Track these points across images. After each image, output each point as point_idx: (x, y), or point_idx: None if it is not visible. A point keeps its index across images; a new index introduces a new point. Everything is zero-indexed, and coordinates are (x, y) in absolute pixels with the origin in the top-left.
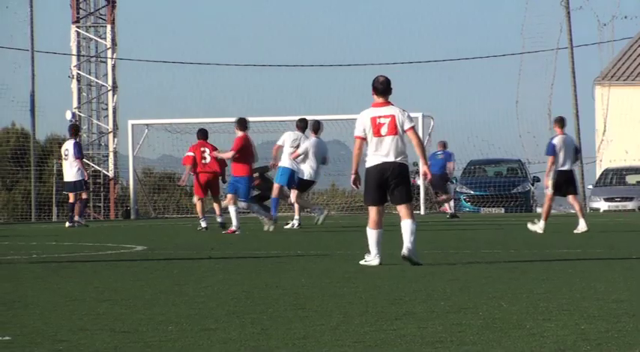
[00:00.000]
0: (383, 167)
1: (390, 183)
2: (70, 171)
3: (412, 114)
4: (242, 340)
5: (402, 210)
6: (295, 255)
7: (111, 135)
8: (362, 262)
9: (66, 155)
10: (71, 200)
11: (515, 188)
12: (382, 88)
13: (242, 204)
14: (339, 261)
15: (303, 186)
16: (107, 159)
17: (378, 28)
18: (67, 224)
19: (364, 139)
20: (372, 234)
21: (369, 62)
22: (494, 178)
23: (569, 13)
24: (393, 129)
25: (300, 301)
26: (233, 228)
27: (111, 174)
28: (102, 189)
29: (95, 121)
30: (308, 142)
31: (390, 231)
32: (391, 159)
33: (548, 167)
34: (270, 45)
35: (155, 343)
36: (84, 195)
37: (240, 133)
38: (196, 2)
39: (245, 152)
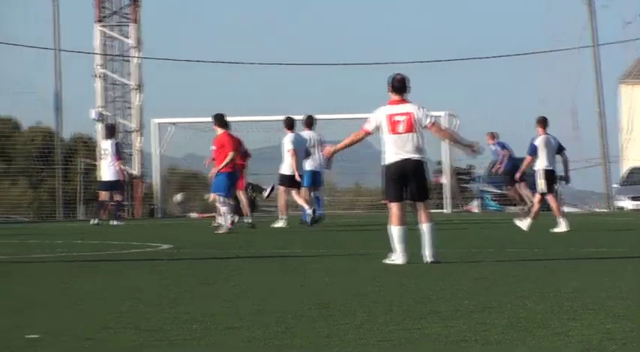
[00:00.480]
0: (401, 164)
1: (408, 180)
2: (108, 170)
3: (436, 113)
4: (266, 339)
5: (419, 209)
6: (319, 254)
7: (136, 134)
8: (386, 261)
9: (105, 154)
10: (102, 198)
11: None
12: (399, 86)
13: (213, 196)
14: (363, 260)
15: (286, 181)
16: (132, 158)
17: (404, 27)
18: (93, 221)
19: (369, 134)
20: (395, 231)
21: (393, 61)
22: None
23: (593, 11)
24: (411, 127)
25: (324, 300)
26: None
27: (136, 172)
28: (127, 188)
29: (120, 120)
30: (289, 139)
31: (414, 230)
32: (409, 156)
33: (523, 166)
34: (294, 43)
35: (180, 342)
36: (118, 197)
37: (221, 130)
38: (221, 0)
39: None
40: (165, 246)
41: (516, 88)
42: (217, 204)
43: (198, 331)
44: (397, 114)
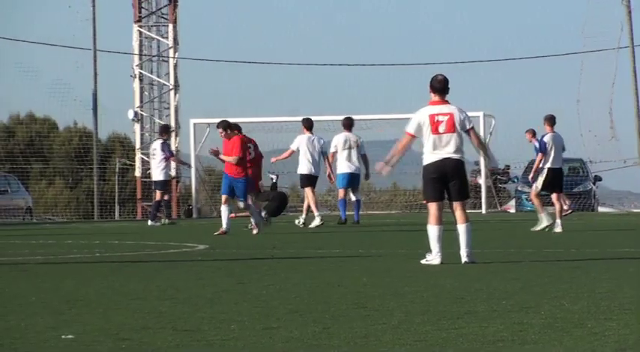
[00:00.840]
0: (441, 164)
1: (448, 179)
2: (155, 170)
3: (473, 114)
4: (304, 339)
5: (457, 209)
6: (357, 253)
7: (173, 134)
8: (423, 261)
9: (153, 154)
10: (166, 197)
11: (577, 187)
12: (440, 87)
13: (240, 204)
14: (401, 260)
15: (307, 181)
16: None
17: (439, 28)
18: (166, 221)
19: (413, 137)
20: (433, 231)
21: (430, 61)
22: None
23: (630, 12)
24: (452, 127)
25: (362, 300)
26: (224, 229)
27: (173, 173)
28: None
29: (157, 120)
30: (298, 139)
31: (451, 231)
32: (449, 155)
33: (536, 164)
34: (330, 43)
35: (217, 341)
36: (158, 197)
37: (234, 134)
38: (257, 1)
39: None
40: (201, 246)
41: (553, 88)
42: (223, 207)
43: (236, 331)
44: (439, 114)
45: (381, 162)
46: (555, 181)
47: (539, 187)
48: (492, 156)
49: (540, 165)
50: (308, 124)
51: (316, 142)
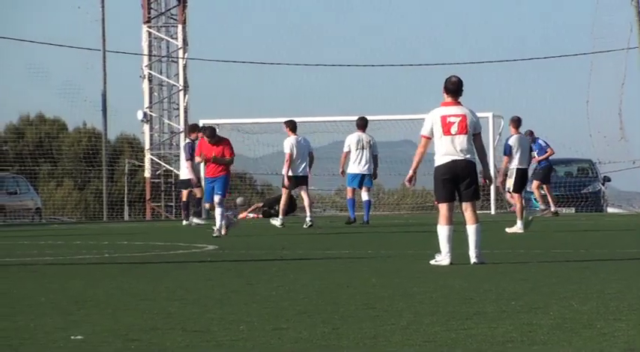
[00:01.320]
0: (453, 165)
1: (459, 180)
2: (182, 169)
3: (482, 114)
4: (313, 339)
5: (467, 210)
6: (366, 254)
7: (182, 135)
8: (432, 262)
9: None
10: (184, 198)
11: (586, 188)
12: (454, 88)
13: (216, 199)
14: (410, 261)
15: (289, 181)
16: (178, 159)
17: (449, 29)
18: (184, 222)
19: (429, 139)
20: (443, 231)
21: (439, 62)
22: (565, 178)
23: (639, 12)
24: (464, 129)
25: (371, 300)
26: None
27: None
28: (173, 189)
29: (166, 121)
30: (288, 143)
31: (460, 232)
32: (461, 156)
33: (503, 167)
34: (340, 45)
35: (226, 342)
36: (184, 197)
37: (223, 139)
38: (268, 2)
39: None
40: (210, 247)
41: (562, 89)
42: (217, 209)
43: (245, 332)
44: (451, 116)
45: (406, 177)
46: (524, 181)
47: (511, 188)
48: (487, 170)
49: (509, 167)
50: (292, 126)
51: (303, 143)
